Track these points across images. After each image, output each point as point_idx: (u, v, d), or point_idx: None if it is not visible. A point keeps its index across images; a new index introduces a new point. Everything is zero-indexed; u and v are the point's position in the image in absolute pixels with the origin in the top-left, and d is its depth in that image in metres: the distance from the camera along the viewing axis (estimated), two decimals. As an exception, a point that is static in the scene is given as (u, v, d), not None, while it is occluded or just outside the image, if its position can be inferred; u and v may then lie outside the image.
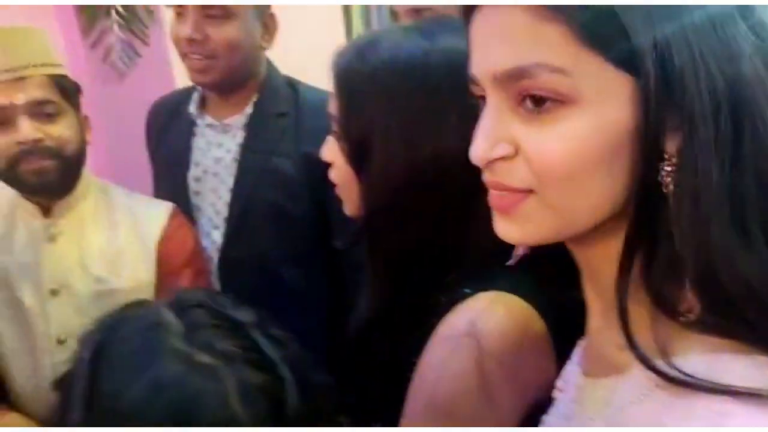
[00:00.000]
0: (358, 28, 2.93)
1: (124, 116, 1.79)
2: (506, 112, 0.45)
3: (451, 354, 0.64)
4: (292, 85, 1.40)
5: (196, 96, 1.41)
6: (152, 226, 1.19)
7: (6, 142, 1.08)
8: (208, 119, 1.39)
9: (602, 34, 0.41)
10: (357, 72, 0.73)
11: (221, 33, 1.26)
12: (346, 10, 2.81)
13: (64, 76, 1.13)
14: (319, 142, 1.30)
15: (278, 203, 1.32)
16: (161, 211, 1.22)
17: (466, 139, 0.48)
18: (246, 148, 1.34)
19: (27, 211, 1.17)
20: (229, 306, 0.60)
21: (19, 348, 1.16)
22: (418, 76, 0.70)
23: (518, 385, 0.64)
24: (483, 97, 0.47)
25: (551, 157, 0.43)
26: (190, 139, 1.40)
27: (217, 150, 1.37)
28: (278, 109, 1.36)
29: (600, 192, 0.44)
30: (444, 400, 0.63)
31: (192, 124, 1.40)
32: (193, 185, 1.38)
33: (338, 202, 0.84)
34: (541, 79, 0.42)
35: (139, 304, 0.64)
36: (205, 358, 0.53)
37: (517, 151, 0.45)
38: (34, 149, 1.08)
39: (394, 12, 1.27)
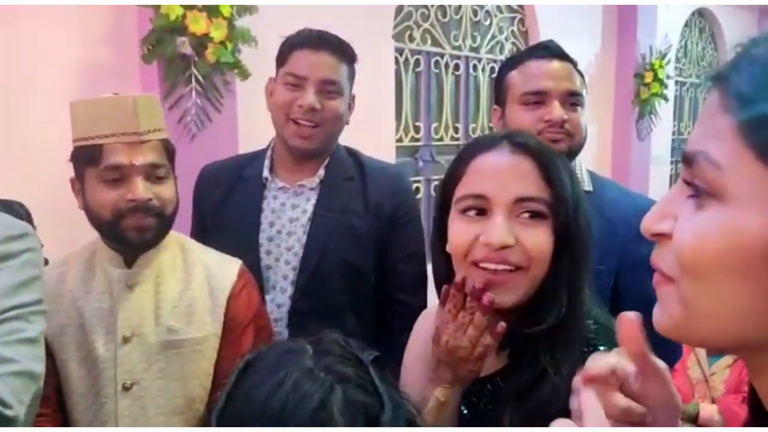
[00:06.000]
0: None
1: (189, 174, 1.90)
2: (686, 189, 0.43)
3: None
4: (351, 152, 1.56)
5: (267, 162, 1.51)
6: (224, 282, 1.24)
7: (118, 196, 1.14)
8: (279, 183, 1.49)
9: (764, 136, 0.38)
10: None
11: (332, 105, 1.44)
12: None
13: (168, 140, 1.21)
14: (382, 200, 1.52)
15: (347, 257, 1.44)
16: (232, 267, 1.26)
17: None
18: (320, 207, 1.46)
19: (108, 259, 1.21)
20: (357, 347, 0.75)
21: (86, 392, 1.18)
22: None
23: None
24: None
25: (682, 243, 0.41)
26: (261, 201, 1.48)
27: (292, 211, 1.47)
28: (346, 173, 1.50)
29: (734, 303, 0.39)
30: None
31: (262, 187, 1.49)
32: (265, 244, 1.46)
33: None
34: (699, 167, 0.41)
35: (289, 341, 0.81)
36: (322, 374, 0.68)
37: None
38: (141, 207, 1.14)
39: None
